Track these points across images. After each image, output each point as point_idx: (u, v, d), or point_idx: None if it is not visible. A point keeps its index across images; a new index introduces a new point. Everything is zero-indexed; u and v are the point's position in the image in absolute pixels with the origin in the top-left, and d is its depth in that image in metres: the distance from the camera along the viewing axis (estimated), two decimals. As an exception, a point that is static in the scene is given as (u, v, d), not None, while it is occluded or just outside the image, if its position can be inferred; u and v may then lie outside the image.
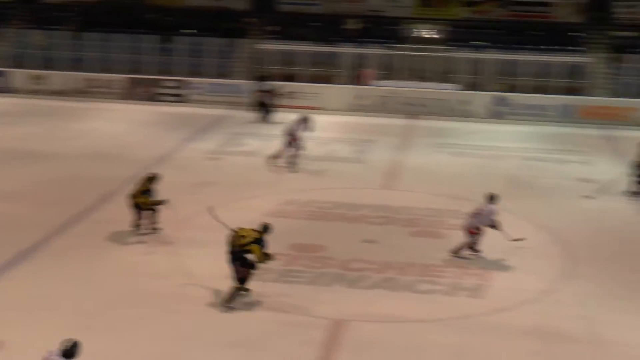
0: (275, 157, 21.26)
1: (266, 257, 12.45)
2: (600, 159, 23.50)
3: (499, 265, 14.63)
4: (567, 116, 28.75)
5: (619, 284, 14.05)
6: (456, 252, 14.92)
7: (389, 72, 31.14)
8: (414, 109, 29.25)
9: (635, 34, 33.04)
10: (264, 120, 27.01)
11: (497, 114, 29.07)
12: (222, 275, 12.75)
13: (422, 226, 16.81)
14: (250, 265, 12.48)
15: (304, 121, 21.25)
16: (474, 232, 14.79)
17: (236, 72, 31.74)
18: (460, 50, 31.20)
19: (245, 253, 12.36)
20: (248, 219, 16.65)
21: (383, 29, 33.48)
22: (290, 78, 30.30)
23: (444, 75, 30.83)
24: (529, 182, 20.51)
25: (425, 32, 33.95)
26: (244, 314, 12.42)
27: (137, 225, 15.53)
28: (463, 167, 21.89)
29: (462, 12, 33.43)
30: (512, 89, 30.12)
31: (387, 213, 17.55)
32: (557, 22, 33.17)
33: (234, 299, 12.55)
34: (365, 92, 29.86)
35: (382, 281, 13.88)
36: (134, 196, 15.40)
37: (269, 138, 24.43)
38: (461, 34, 32.82)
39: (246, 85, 29.45)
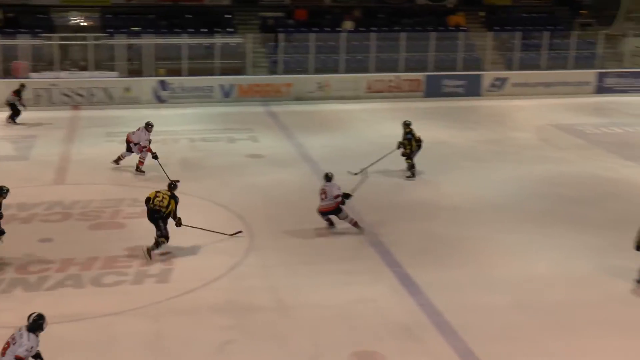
0: (116, 161, 19.95)
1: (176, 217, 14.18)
2: (266, 134, 24.56)
3: (183, 248, 14.72)
4: (229, 96, 29.74)
5: (296, 251, 14.88)
6: (355, 225, 15.47)
7: (45, 63, 29.77)
8: (76, 100, 28.35)
9: (281, 14, 35.05)
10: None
11: (160, 99, 29.15)
12: None
13: (101, 218, 16.41)
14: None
15: (149, 126, 19.78)
16: (336, 205, 15.25)
17: None
18: (117, 37, 30.65)
19: (167, 213, 14.03)
20: None
21: (32, 18, 31.91)
22: None
23: (104, 63, 30.17)
24: (201, 163, 20.87)
25: (79, 20, 33.03)
26: None
27: None
28: (134, 155, 21.58)
29: (112, -1, 33.26)
30: (173, 72, 30.33)
31: (62, 209, 16.87)
32: (207, 5, 34.13)
33: (158, 247, 14.04)
34: (20, 86, 28.19)
35: (65, 279, 13.38)
36: None
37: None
38: (116, 21, 32.40)
39: None
